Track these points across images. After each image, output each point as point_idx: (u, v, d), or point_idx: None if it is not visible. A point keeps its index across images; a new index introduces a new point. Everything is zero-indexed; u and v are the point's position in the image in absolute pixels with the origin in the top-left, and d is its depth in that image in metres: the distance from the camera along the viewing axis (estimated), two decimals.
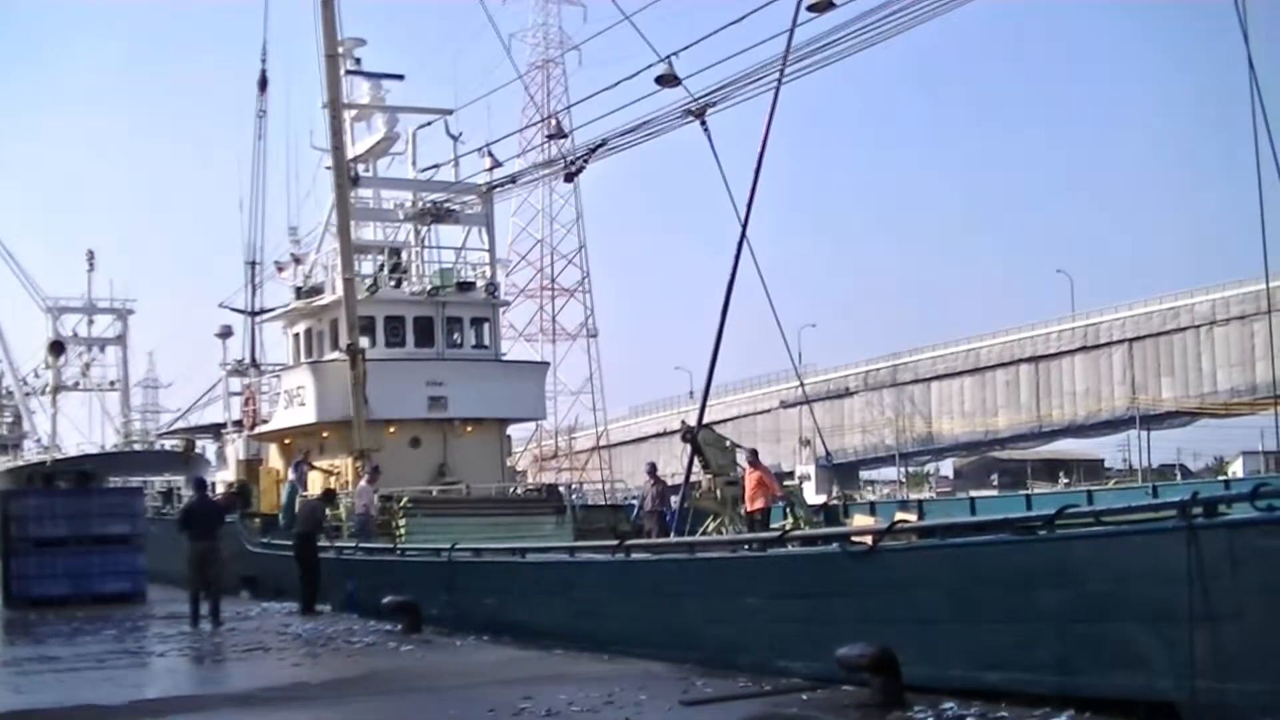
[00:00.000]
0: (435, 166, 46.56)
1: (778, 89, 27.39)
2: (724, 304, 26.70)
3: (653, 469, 37.81)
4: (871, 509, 41.21)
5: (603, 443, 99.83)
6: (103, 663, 22.15)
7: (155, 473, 63.34)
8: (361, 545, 33.02)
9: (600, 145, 38.03)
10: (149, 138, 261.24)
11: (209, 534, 28.82)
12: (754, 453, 32.68)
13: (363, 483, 36.01)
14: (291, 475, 39.94)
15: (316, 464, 40.98)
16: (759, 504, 30.66)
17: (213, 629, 27.10)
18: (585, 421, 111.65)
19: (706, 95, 31.67)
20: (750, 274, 29.99)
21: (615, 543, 24.00)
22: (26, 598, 33.19)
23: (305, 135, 46.41)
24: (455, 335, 44.63)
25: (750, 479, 31.11)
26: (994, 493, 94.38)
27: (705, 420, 31.00)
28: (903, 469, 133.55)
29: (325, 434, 42.56)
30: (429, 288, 44.19)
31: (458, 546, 27.31)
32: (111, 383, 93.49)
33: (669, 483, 36.14)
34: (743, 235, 26.91)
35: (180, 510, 33.71)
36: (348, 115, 44.39)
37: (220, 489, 47.12)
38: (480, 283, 45.17)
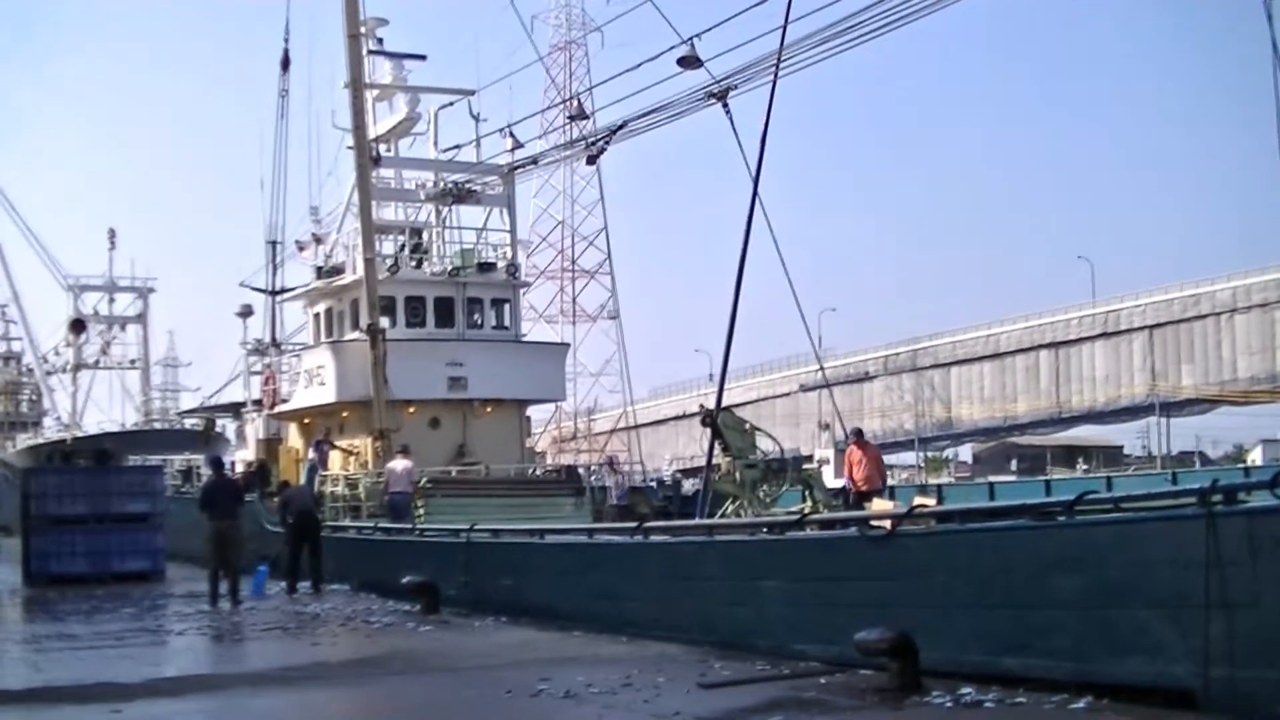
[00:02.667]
0: (457, 147, 46.57)
1: (774, 84, 27.28)
2: (736, 285, 26.68)
3: (611, 461, 37.25)
4: (890, 493, 41.24)
5: (625, 424, 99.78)
6: (121, 641, 22.26)
7: (175, 451, 63.29)
8: (380, 525, 33.08)
9: (621, 127, 37.98)
10: (172, 116, 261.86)
11: (229, 513, 28.92)
12: (858, 431, 32.53)
13: (408, 463, 35.58)
14: (312, 454, 40.00)
15: (337, 444, 41.04)
16: (872, 484, 30.41)
17: (231, 608, 27.18)
18: (605, 403, 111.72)
19: (728, 77, 31.62)
20: (771, 257, 29.98)
21: (634, 524, 23.98)
22: (46, 575, 33.34)
23: (327, 115, 46.43)
24: (475, 316, 44.65)
25: (864, 456, 30.91)
26: (1013, 478, 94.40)
27: (725, 403, 30.93)
28: (921, 454, 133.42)
29: (345, 414, 42.63)
30: (450, 268, 44.22)
31: (476, 527, 27.34)
32: (132, 361, 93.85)
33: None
34: (750, 216, 26.79)
35: (200, 490, 33.79)
36: (370, 95, 44.42)
37: (239, 468, 47.27)
38: (501, 264, 45.23)
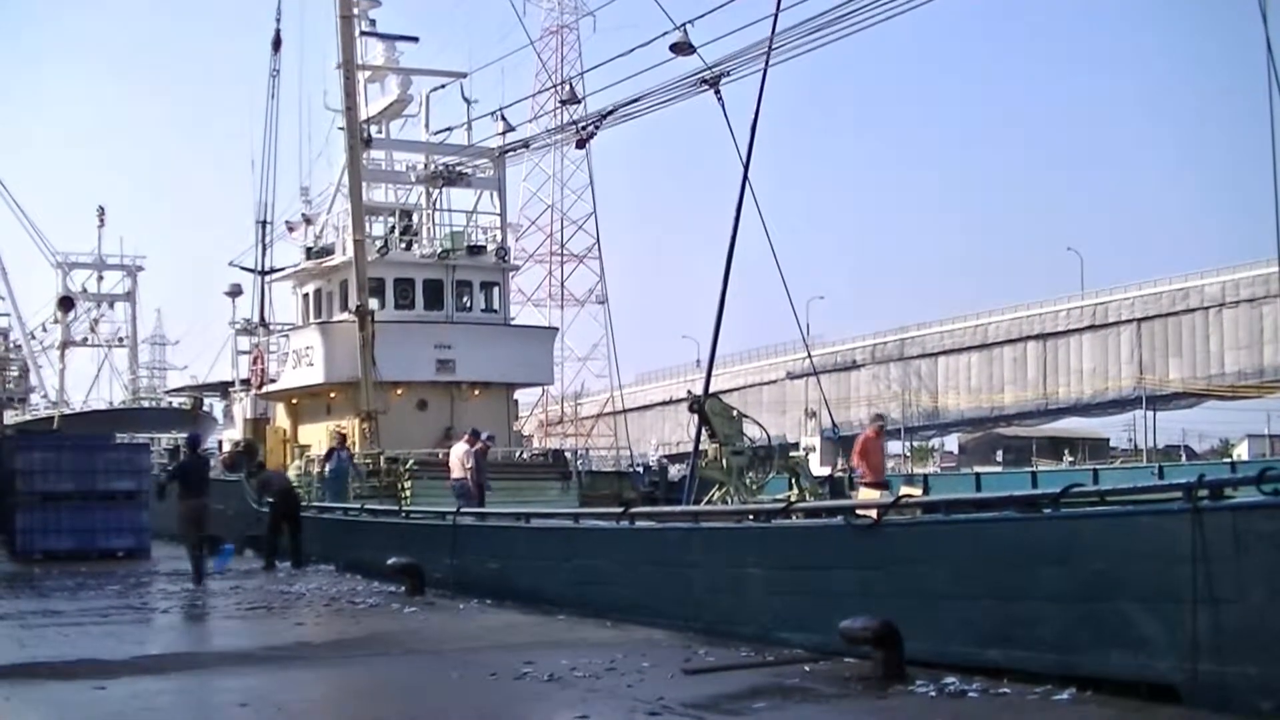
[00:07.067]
0: (448, 129, 46.67)
1: (765, 72, 27.29)
2: (725, 272, 26.76)
3: (475, 434, 35.12)
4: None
5: (612, 409, 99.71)
6: (106, 618, 22.19)
7: (162, 430, 63.27)
8: (367, 507, 32.94)
9: (612, 112, 37.99)
10: (163, 94, 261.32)
11: (201, 490, 28.76)
12: (879, 416, 31.87)
13: (463, 443, 35.00)
14: (330, 465, 38.50)
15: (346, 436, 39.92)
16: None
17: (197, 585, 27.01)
18: (592, 387, 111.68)
19: (721, 64, 31.60)
20: (761, 244, 30.03)
21: (619, 509, 23.99)
22: (32, 552, 33.32)
23: (319, 96, 46.45)
24: (464, 299, 44.71)
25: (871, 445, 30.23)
26: (999, 469, 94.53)
27: (712, 389, 30.93)
28: (908, 443, 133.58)
29: (333, 395, 42.63)
30: (439, 251, 44.26)
31: (462, 510, 27.33)
32: (120, 339, 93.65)
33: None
34: (740, 203, 26.83)
35: (175, 468, 33.62)
36: (361, 76, 44.35)
37: (227, 447, 47.25)
38: (490, 247, 45.26)
